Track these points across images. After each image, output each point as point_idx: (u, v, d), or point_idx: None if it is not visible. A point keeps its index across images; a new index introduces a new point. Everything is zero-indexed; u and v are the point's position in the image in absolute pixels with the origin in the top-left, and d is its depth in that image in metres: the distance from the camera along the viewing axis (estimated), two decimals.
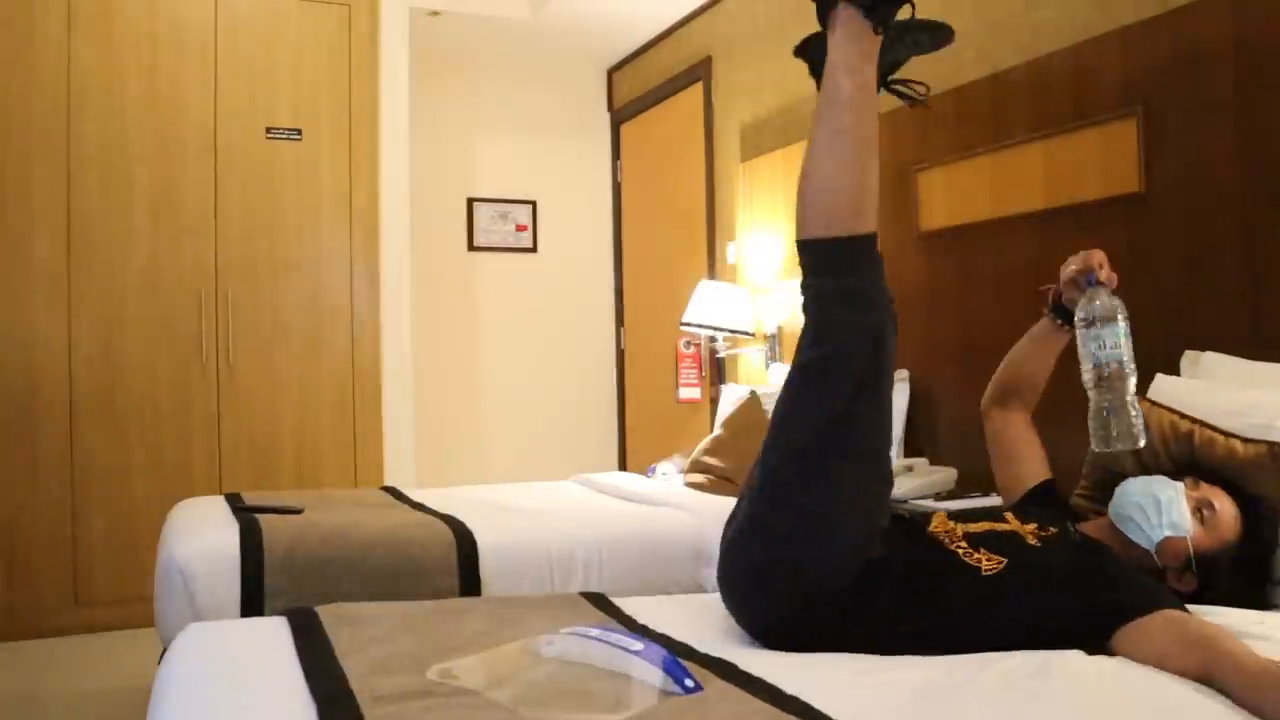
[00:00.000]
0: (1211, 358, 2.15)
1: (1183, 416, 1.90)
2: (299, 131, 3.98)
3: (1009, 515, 1.71)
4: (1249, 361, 2.08)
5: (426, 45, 4.75)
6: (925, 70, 3.21)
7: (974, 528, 1.62)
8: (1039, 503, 1.84)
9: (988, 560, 1.54)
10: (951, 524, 1.65)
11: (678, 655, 1.32)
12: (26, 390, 3.60)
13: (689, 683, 1.23)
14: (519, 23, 4.70)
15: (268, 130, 3.94)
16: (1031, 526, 1.66)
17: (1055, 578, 1.53)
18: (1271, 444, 1.74)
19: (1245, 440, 1.78)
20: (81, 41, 3.68)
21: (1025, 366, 1.93)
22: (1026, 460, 1.91)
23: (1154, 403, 1.97)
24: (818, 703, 1.18)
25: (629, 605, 1.75)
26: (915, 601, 1.49)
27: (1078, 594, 1.49)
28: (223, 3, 3.88)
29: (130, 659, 3.21)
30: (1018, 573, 1.52)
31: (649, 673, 1.26)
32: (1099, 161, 2.51)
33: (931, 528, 1.65)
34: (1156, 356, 2.23)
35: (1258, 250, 2.17)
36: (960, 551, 1.56)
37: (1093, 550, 1.63)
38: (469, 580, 2.31)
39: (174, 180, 3.81)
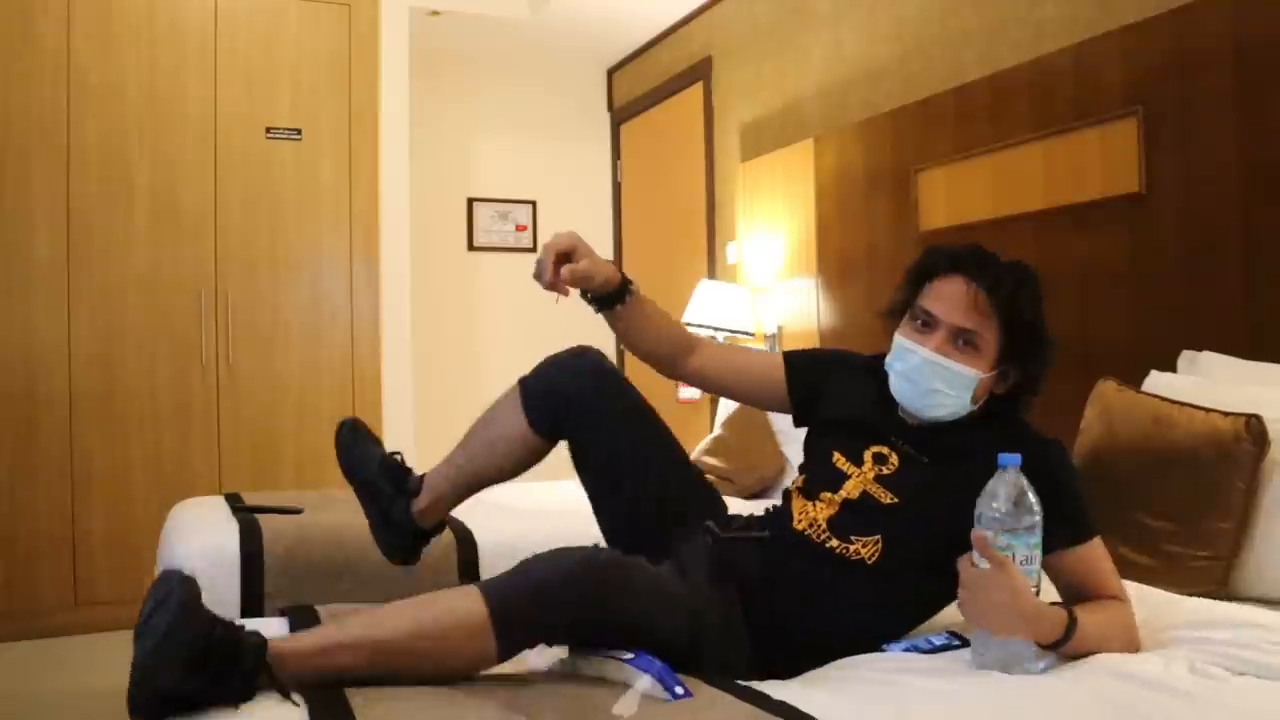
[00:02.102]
0: (1209, 357, 2.15)
1: (1163, 399, 1.94)
2: (299, 131, 3.98)
3: (840, 460, 1.58)
4: (1246, 361, 2.08)
5: (426, 45, 4.74)
6: (927, 66, 3.23)
7: (831, 510, 1.54)
8: (808, 387, 1.73)
9: (864, 548, 1.50)
10: (811, 510, 1.56)
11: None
12: (26, 390, 3.60)
13: (679, 690, 1.25)
14: (519, 23, 4.70)
15: (268, 130, 3.94)
16: (869, 469, 1.56)
17: (934, 537, 1.45)
18: (1248, 416, 1.79)
19: (1225, 414, 1.82)
20: (81, 41, 3.68)
21: (649, 343, 1.80)
22: (747, 363, 1.82)
23: (1140, 392, 2.02)
24: (805, 707, 1.19)
25: None
26: (821, 617, 1.49)
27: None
28: (223, 3, 3.88)
29: (130, 659, 3.20)
30: (896, 545, 1.49)
31: (640, 680, 1.27)
32: (1099, 161, 2.51)
33: (796, 524, 1.56)
34: (1156, 356, 2.23)
35: (1258, 250, 2.17)
36: (835, 550, 1.51)
37: (946, 467, 1.52)
38: (469, 580, 2.31)
39: (174, 180, 3.81)
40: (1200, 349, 2.19)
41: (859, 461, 1.58)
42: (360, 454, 1.76)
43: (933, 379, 1.52)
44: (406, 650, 1.27)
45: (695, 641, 1.41)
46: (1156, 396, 1.98)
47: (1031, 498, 1.33)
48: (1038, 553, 1.34)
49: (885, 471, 1.55)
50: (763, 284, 3.97)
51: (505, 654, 1.31)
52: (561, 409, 1.67)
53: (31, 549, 3.58)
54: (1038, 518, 1.33)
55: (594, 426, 1.68)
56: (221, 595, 2.17)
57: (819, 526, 1.54)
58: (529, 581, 1.31)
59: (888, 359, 1.60)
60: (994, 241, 2.89)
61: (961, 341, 1.51)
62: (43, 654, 3.36)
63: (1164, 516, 1.82)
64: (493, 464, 1.71)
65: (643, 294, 1.77)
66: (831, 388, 1.72)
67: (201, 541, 2.26)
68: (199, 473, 3.81)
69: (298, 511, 2.54)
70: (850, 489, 1.55)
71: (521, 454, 1.71)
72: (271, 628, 1.62)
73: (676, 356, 1.82)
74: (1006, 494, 1.32)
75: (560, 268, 1.71)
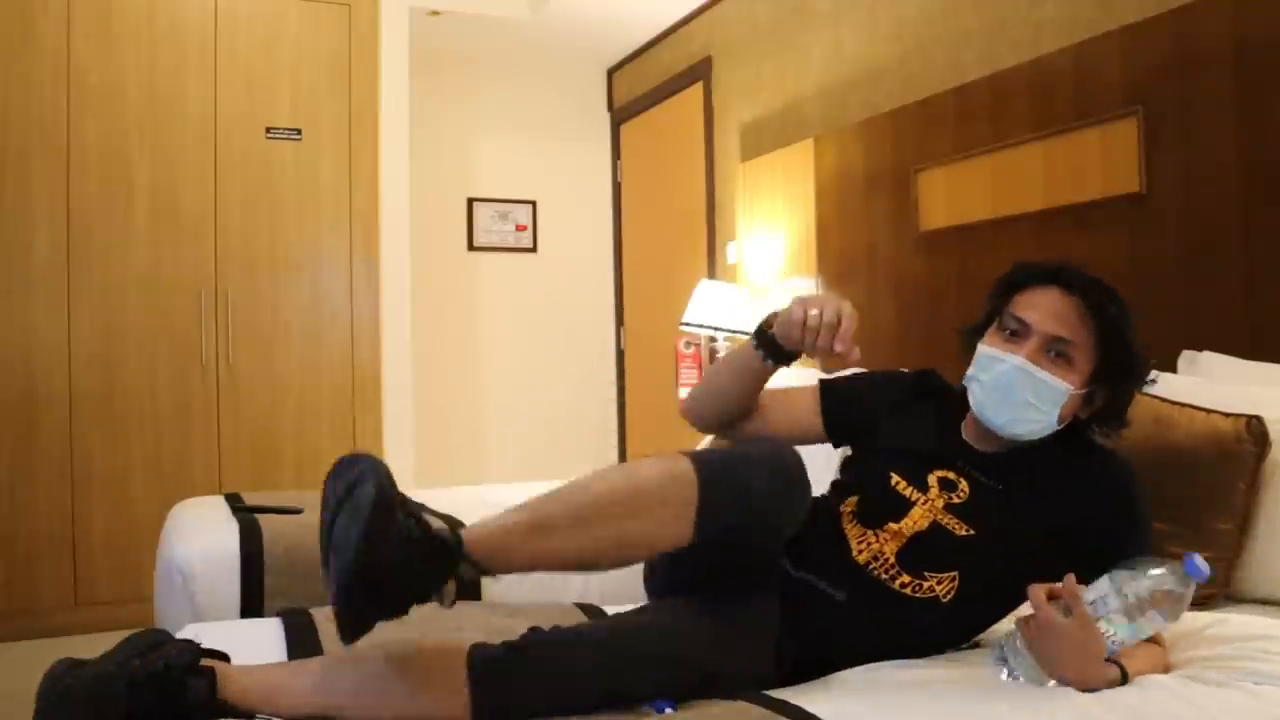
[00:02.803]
0: (1209, 357, 2.15)
1: (1163, 399, 1.93)
2: (299, 131, 3.98)
3: (901, 485, 1.48)
4: (1246, 361, 2.08)
5: (426, 45, 4.74)
6: (927, 66, 3.22)
7: (899, 543, 1.44)
8: (843, 408, 1.62)
9: (939, 584, 1.42)
10: (875, 541, 1.45)
11: None
12: (26, 390, 3.60)
13: (668, 710, 1.24)
14: (519, 23, 4.70)
15: (268, 130, 3.94)
16: (937, 496, 1.47)
17: (1010, 566, 1.41)
18: (1250, 417, 1.78)
19: (1226, 415, 1.81)
20: (81, 41, 3.68)
21: (748, 401, 1.62)
22: (790, 409, 1.64)
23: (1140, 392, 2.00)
24: (808, 707, 1.19)
25: None
26: (887, 643, 1.41)
27: (1051, 566, 1.39)
28: (223, 3, 3.88)
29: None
30: (974, 580, 1.43)
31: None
32: (1099, 161, 2.50)
33: (857, 555, 1.45)
34: (1156, 356, 2.23)
35: (1258, 250, 2.17)
36: (907, 588, 1.42)
37: (1021, 496, 1.45)
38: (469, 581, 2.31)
39: (174, 180, 3.80)
40: (1200, 349, 2.19)
41: (923, 487, 1.48)
42: (394, 540, 1.18)
43: (1023, 389, 1.43)
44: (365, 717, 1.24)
45: (710, 684, 1.32)
46: (1157, 397, 1.97)
47: (1183, 611, 1.24)
48: (1135, 642, 1.27)
49: (956, 500, 1.46)
50: (763, 284, 3.97)
51: None
52: (738, 531, 1.32)
53: (31, 549, 3.58)
54: (1167, 625, 1.24)
55: (749, 549, 1.38)
56: (221, 595, 2.17)
57: (886, 561, 1.43)
58: (527, 706, 1.22)
59: (970, 371, 1.51)
60: (994, 241, 2.90)
61: (1054, 353, 1.43)
62: (43, 654, 3.34)
63: (1164, 518, 1.81)
64: (601, 562, 1.31)
65: None
66: (880, 411, 1.62)
67: (201, 541, 2.26)
68: (199, 473, 3.81)
69: (298, 511, 2.53)
70: (918, 519, 1.45)
71: (648, 559, 1.37)
72: (266, 630, 1.62)
73: (747, 416, 1.64)
74: (1163, 594, 1.22)
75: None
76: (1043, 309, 1.45)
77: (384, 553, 1.15)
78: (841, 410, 1.64)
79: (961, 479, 1.49)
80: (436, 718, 1.23)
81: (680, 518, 1.25)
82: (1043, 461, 1.48)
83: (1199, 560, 1.20)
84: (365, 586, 1.16)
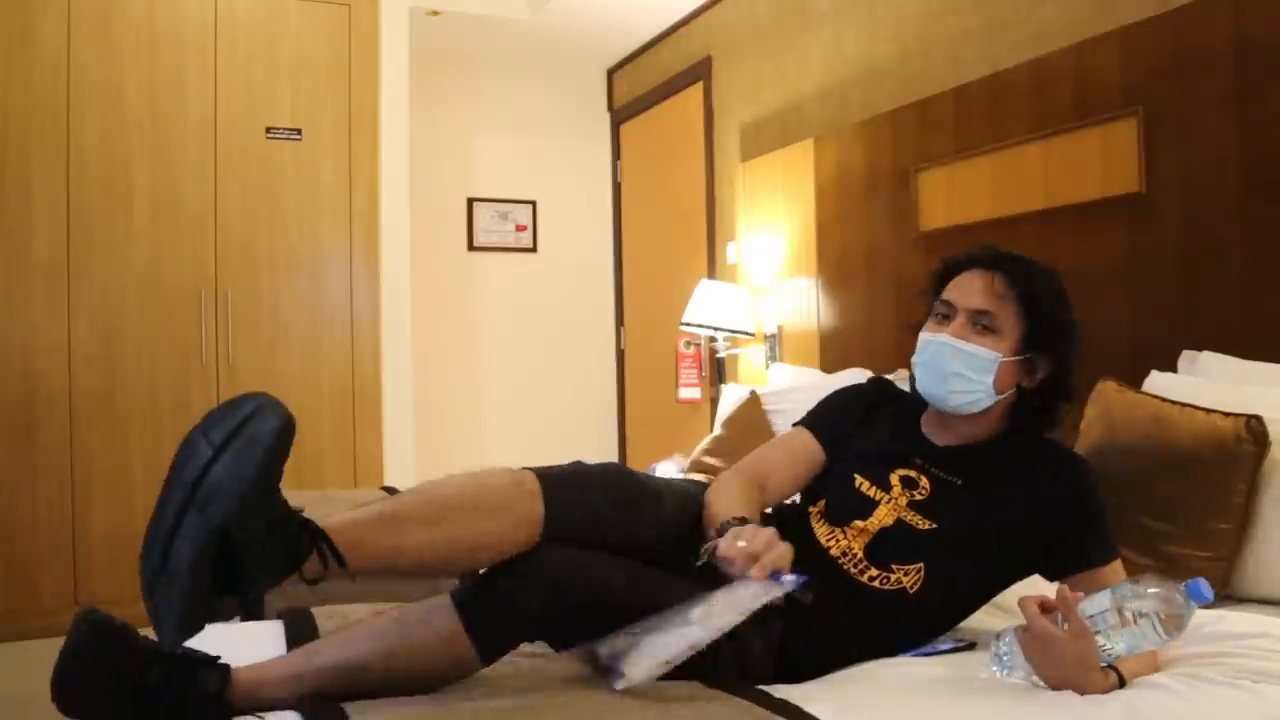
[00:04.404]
0: (1209, 357, 2.15)
1: (1163, 399, 1.94)
2: (299, 131, 3.98)
3: (865, 485, 1.55)
4: (1246, 361, 2.08)
5: (426, 45, 4.74)
6: (927, 66, 3.23)
7: (866, 538, 1.50)
8: (835, 438, 1.66)
9: (905, 576, 1.47)
10: (843, 538, 1.51)
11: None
12: (26, 390, 3.60)
13: (786, 579, 1.26)
14: (519, 23, 4.70)
15: (268, 130, 3.94)
16: (899, 494, 1.53)
17: (974, 558, 1.48)
18: (1250, 417, 1.79)
19: (1226, 414, 1.82)
20: (81, 42, 3.68)
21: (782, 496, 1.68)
22: (794, 461, 1.67)
23: (1140, 392, 2.02)
24: (808, 707, 1.19)
25: None
26: (859, 650, 1.44)
27: (1014, 559, 1.51)
28: (223, 3, 3.88)
29: None
30: (939, 572, 1.48)
31: (741, 598, 1.26)
32: (1099, 161, 2.50)
33: (828, 549, 1.51)
34: (1156, 356, 2.23)
35: (1258, 250, 2.17)
36: (875, 581, 1.47)
37: (979, 486, 1.51)
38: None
39: (174, 180, 3.80)
40: (1200, 349, 2.19)
41: (886, 486, 1.54)
42: (277, 499, 1.29)
43: (952, 362, 1.53)
44: (383, 668, 1.26)
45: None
46: (1156, 397, 1.98)
47: (1183, 631, 1.22)
48: (1127, 653, 1.26)
49: (918, 497, 1.52)
50: (763, 284, 3.97)
51: (487, 660, 1.30)
52: (582, 540, 1.36)
53: (31, 549, 3.58)
54: (1164, 641, 1.23)
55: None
56: None
57: (854, 557, 1.49)
58: (507, 605, 1.27)
59: (912, 359, 1.61)
60: (994, 241, 2.88)
61: (979, 325, 1.54)
62: (43, 654, 3.35)
63: (1164, 517, 1.82)
64: (452, 563, 1.34)
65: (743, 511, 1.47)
66: (851, 425, 1.69)
67: None
68: None
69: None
70: (883, 516, 1.51)
71: (494, 562, 1.33)
72: (267, 631, 1.62)
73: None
74: (1165, 613, 1.20)
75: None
76: (964, 288, 1.58)
77: (268, 508, 1.17)
78: (835, 438, 1.69)
79: (922, 476, 1.55)
80: (429, 628, 1.26)
81: (525, 525, 1.31)
82: (999, 457, 1.56)
83: (1204, 584, 1.20)
84: (232, 546, 1.15)
